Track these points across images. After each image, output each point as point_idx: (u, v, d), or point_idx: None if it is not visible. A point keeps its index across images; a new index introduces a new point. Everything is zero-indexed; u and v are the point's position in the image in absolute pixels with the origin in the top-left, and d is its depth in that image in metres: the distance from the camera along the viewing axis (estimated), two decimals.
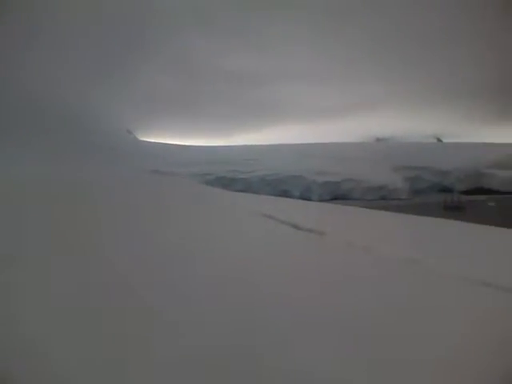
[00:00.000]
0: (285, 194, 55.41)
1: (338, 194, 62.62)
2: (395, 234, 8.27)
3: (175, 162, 66.53)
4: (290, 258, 5.25)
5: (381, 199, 60.35)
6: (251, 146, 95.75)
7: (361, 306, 3.43)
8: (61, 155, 53.23)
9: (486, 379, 2.40)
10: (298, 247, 6.06)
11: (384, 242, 6.69)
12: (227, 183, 58.80)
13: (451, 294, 3.96)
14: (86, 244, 4.93)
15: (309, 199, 45.80)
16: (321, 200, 48.27)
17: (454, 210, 46.84)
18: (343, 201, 50.99)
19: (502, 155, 73.35)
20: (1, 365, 2.08)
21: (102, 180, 14.93)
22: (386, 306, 3.49)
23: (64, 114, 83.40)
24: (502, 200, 57.63)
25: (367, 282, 4.27)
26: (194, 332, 2.66)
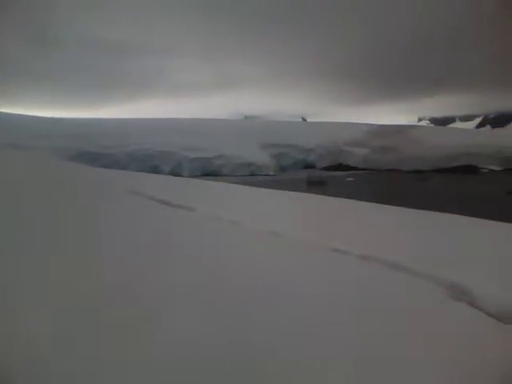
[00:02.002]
0: (154, 170, 54.25)
1: (208, 170, 63.16)
2: (262, 209, 8.56)
3: (33, 136, 60.52)
4: (157, 234, 5.12)
5: (250, 175, 62.35)
6: (118, 119, 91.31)
7: (227, 277, 3.47)
8: None
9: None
10: (167, 223, 5.93)
11: (251, 216, 6.87)
12: (91, 158, 54.80)
13: (310, 262, 4.21)
14: None
15: (179, 175, 45.39)
16: (191, 176, 48.11)
17: (316, 184, 50.31)
18: (214, 177, 51.63)
19: (359, 134, 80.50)
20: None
21: None
22: (251, 276, 3.57)
23: None
24: (360, 175, 63.44)
25: (234, 254, 4.35)
26: None
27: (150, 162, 62.39)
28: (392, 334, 2.65)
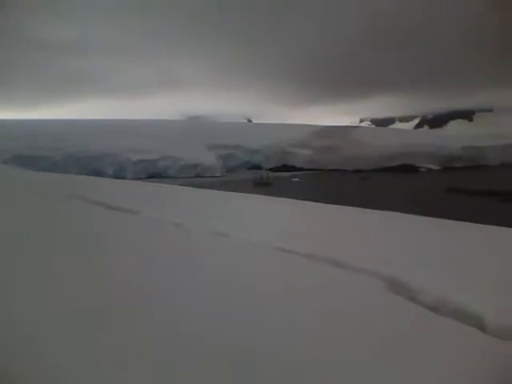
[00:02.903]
0: (97, 172, 52.46)
1: (153, 172, 62.01)
2: (207, 210, 8.49)
3: None
4: (96, 238, 4.95)
5: (196, 177, 61.85)
6: (57, 120, 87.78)
7: (171, 280, 3.41)
8: None
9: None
10: (107, 227, 5.75)
11: (196, 217, 6.80)
12: (27, 162, 51.26)
13: (255, 262, 4.22)
14: None
15: (123, 178, 44.25)
16: (136, 178, 46.97)
17: (262, 185, 50.73)
18: (159, 179, 50.75)
19: (304, 135, 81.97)
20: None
21: None
22: (195, 277, 3.53)
23: None
24: (304, 176, 64.60)
25: (176, 256, 4.29)
26: None
27: (92, 165, 60.36)
28: (332, 327, 2.70)
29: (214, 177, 62.76)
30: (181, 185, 18.18)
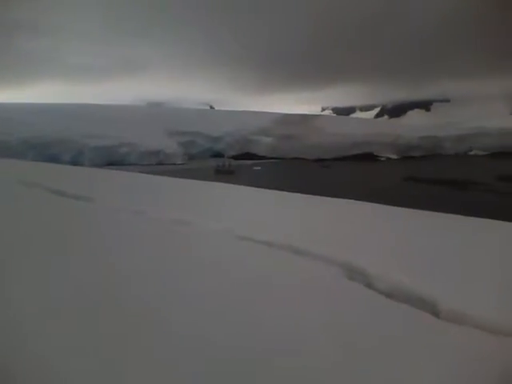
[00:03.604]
0: (53, 159, 50.85)
1: (112, 159, 60.66)
2: (169, 198, 8.38)
3: None
4: (51, 227, 4.80)
5: (157, 164, 60.97)
6: (11, 103, 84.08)
7: (132, 265, 3.35)
8: None
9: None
10: (63, 215, 5.58)
11: (157, 205, 6.70)
12: None
13: (216, 250, 4.20)
14: None
15: (80, 165, 43.06)
16: (94, 165, 45.76)
17: (225, 173, 50.61)
18: (119, 166, 49.68)
19: (266, 123, 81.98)
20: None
21: None
22: (154, 266, 3.48)
23: None
24: (266, 164, 64.83)
25: (136, 245, 4.21)
26: None
27: (48, 151, 58.40)
28: (290, 314, 2.73)
29: (175, 164, 62.03)
30: (141, 172, 17.85)
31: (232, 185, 13.79)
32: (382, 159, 72.97)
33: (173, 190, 10.41)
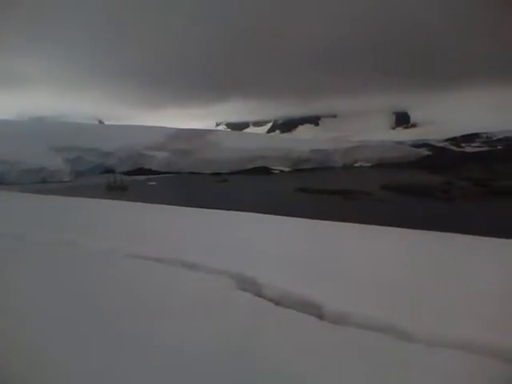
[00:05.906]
0: None
1: None
2: (53, 218, 7.87)
3: None
4: None
5: (41, 182, 56.80)
6: None
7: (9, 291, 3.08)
8: None
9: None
10: None
11: (40, 227, 6.26)
12: None
13: (104, 270, 4.03)
14: None
15: None
16: None
17: (117, 189, 48.64)
18: None
19: (159, 138, 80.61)
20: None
21: None
22: (43, 289, 3.24)
23: None
24: (161, 179, 63.62)
25: (17, 271, 3.89)
26: None
27: None
28: (185, 327, 2.73)
29: (61, 182, 58.30)
30: (21, 191, 16.54)
31: (123, 201, 13.33)
32: (276, 172, 75.45)
33: (58, 209, 9.79)
